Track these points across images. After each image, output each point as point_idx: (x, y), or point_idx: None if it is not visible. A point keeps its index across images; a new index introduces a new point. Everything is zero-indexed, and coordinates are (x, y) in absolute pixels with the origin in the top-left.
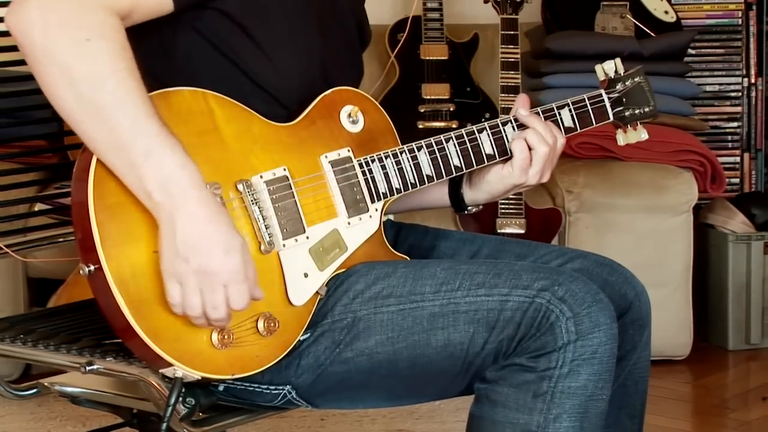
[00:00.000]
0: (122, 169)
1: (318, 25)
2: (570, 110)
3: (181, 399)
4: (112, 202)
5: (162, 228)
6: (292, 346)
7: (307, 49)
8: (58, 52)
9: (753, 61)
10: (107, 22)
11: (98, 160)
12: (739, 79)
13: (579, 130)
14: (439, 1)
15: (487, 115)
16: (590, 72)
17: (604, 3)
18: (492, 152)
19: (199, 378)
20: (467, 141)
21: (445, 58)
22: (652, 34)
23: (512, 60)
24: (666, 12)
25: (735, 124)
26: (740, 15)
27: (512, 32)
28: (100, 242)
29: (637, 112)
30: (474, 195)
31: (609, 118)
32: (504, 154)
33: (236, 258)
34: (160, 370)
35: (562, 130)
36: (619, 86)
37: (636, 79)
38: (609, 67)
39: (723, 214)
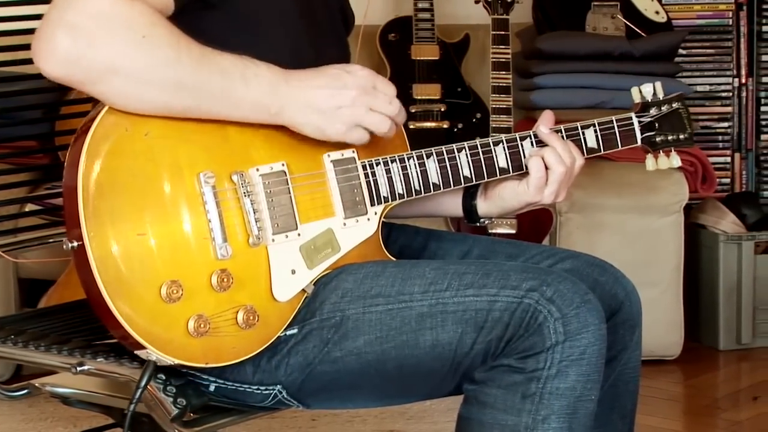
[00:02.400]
0: (234, 111)
1: (304, 8)
2: (595, 130)
3: (172, 399)
4: (103, 182)
5: (299, 118)
6: (271, 341)
7: (295, 31)
8: (122, 63)
9: (744, 61)
10: (143, 9)
11: (92, 141)
12: (730, 80)
13: (602, 152)
14: (430, 2)
15: (478, 116)
16: (581, 72)
17: (595, 3)
18: (506, 166)
19: (172, 364)
20: (481, 152)
21: (436, 58)
22: (643, 34)
23: (503, 60)
24: (657, 12)
25: (726, 124)
26: (731, 15)
27: (503, 32)
28: (84, 219)
29: (670, 138)
30: (488, 208)
31: (636, 142)
32: (519, 169)
33: (356, 66)
34: (135, 352)
35: (584, 150)
36: (653, 110)
37: (674, 105)
38: (647, 90)
39: (714, 214)
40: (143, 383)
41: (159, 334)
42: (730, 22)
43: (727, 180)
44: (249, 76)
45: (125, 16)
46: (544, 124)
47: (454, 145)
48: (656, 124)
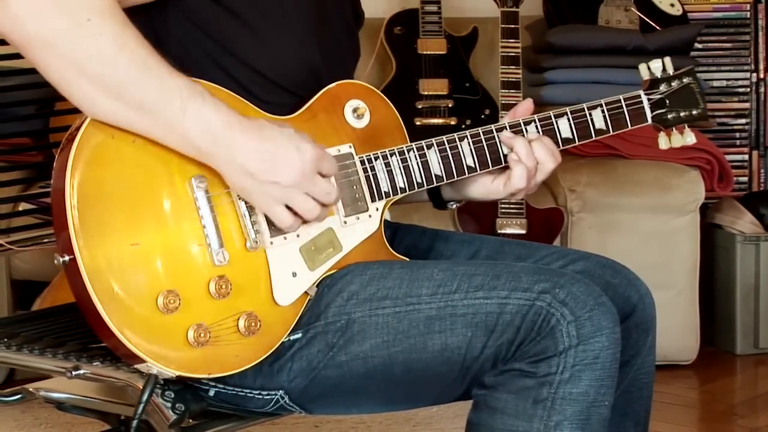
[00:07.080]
0: (161, 133)
1: (314, 7)
2: (603, 111)
3: (170, 405)
4: (91, 193)
5: (229, 173)
6: (275, 347)
7: (302, 31)
8: (59, 39)
9: (762, 55)
10: None
11: (78, 150)
12: (748, 74)
13: (611, 133)
14: None
15: (487, 112)
16: (593, 67)
17: None
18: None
19: (174, 376)
20: (483, 139)
21: (444, 52)
22: (658, 27)
23: (513, 54)
24: (672, 5)
25: (743, 120)
26: (749, 8)
27: (513, 26)
28: (74, 232)
29: (682, 114)
30: (452, 195)
31: (647, 121)
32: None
33: (308, 146)
34: (135, 366)
35: (593, 132)
36: (662, 87)
37: (684, 80)
38: (656, 67)
39: (731, 213)
40: (145, 398)
41: (158, 347)
42: (748, 15)
43: (745, 178)
44: (189, 108)
45: None
46: (520, 115)
47: (455, 134)
48: (667, 101)
